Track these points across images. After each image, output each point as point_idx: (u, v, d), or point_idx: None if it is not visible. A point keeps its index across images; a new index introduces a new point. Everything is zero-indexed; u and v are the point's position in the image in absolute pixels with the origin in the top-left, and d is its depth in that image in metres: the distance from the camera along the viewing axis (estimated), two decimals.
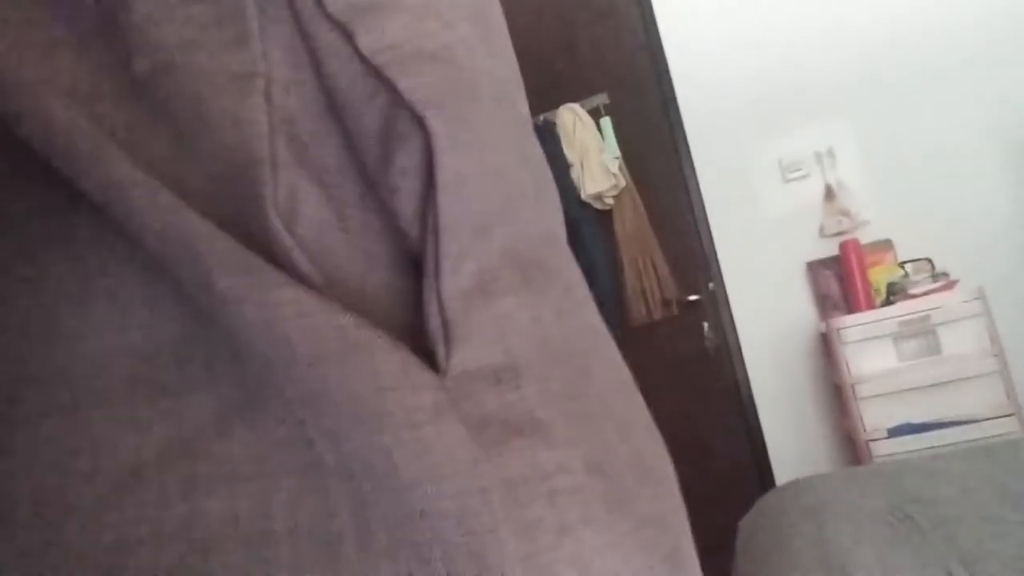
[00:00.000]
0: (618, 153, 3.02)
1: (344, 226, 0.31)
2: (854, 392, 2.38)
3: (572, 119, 3.03)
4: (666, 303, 2.95)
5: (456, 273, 0.30)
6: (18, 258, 0.31)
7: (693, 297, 2.98)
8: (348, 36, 0.30)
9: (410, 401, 0.27)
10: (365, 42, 0.30)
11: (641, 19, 3.10)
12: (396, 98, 0.30)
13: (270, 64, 0.30)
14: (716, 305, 2.96)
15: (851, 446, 2.61)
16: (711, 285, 2.97)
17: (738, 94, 2.95)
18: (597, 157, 2.97)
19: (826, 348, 2.65)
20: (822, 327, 2.66)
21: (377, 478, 0.27)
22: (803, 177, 2.87)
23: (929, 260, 2.64)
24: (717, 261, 2.96)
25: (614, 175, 2.96)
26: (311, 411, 0.28)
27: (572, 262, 0.39)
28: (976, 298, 2.34)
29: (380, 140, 0.30)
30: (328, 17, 0.30)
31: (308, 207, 0.30)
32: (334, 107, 0.31)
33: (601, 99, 3.10)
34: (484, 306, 0.31)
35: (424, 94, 0.30)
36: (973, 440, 2.21)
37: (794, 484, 1.75)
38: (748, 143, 2.94)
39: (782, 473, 2.82)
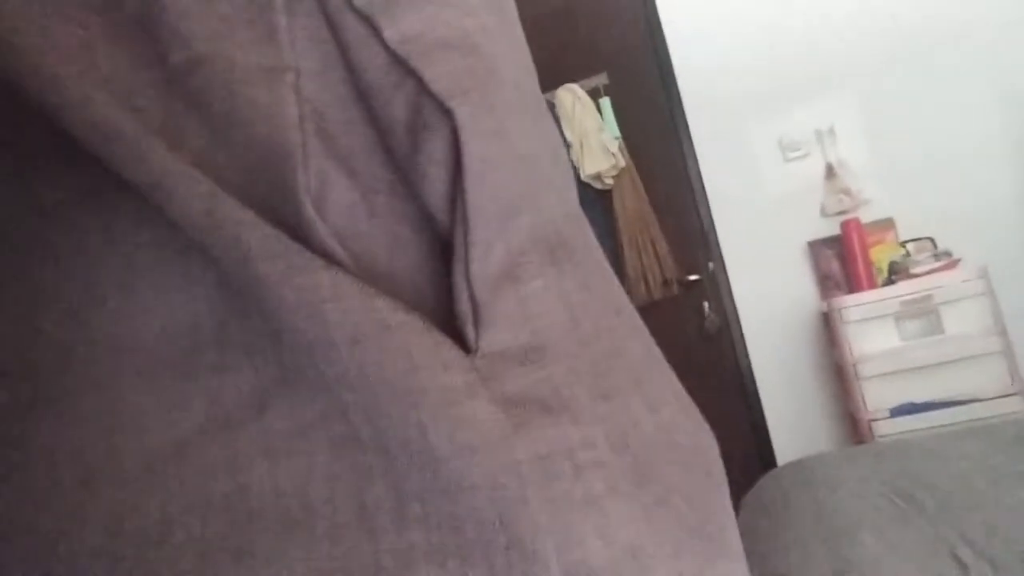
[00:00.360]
0: (618, 133, 3.00)
1: (372, 211, 0.32)
2: (856, 372, 2.37)
3: (571, 99, 3.01)
4: (666, 283, 2.93)
5: (485, 258, 0.31)
6: (61, 243, 0.32)
7: (693, 277, 2.97)
8: (374, 28, 0.31)
9: (443, 380, 0.28)
10: (390, 34, 0.31)
11: None
12: (422, 88, 0.31)
13: (298, 57, 0.31)
14: (716, 285, 2.95)
15: (853, 426, 2.60)
16: (711, 265, 2.96)
17: (737, 72, 2.92)
18: (596, 137, 2.95)
19: (827, 328, 2.64)
20: (823, 307, 2.65)
21: (411, 453, 0.28)
22: (803, 156, 2.84)
23: (931, 239, 2.63)
24: (717, 241, 2.95)
25: (613, 155, 2.94)
26: (348, 389, 0.29)
27: (593, 238, 0.40)
28: (979, 277, 2.33)
29: (408, 129, 0.31)
30: (354, 10, 0.31)
31: (337, 194, 0.31)
32: (362, 96, 0.32)
33: (600, 79, 3.07)
34: (512, 289, 0.32)
35: (448, 83, 0.31)
36: (976, 419, 2.19)
37: (796, 463, 1.74)
38: (748, 122, 2.92)
39: (783, 453, 2.82)
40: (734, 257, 2.93)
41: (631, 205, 2.97)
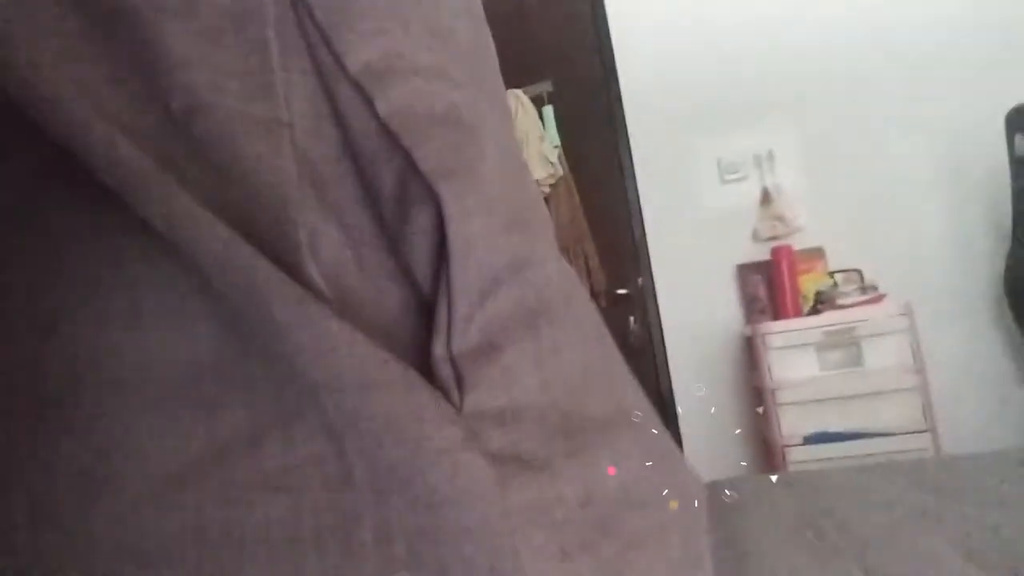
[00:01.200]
0: (558, 142, 2.96)
1: (360, 264, 0.33)
2: (774, 397, 2.35)
3: (515, 105, 2.95)
4: (594, 295, 2.89)
5: (466, 332, 0.33)
6: (71, 272, 0.33)
7: (622, 291, 2.94)
8: (366, 98, 0.32)
9: (443, 430, 0.30)
10: (381, 105, 0.32)
11: (591, 9, 3.05)
12: (410, 164, 0.32)
13: (292, 113, 0.32)
14: (644, 300, 2.92)
15: (766, 450, 2.59)
16: (640, 280, 2.93)
17: (682, 90, 2.91)
18: (537, 145, 2.91)
19: (750, 351, 2.63)
20: (747, 331, 2.64)
21: (407, 495, 0.30)
22: (741, 179, 2.84)
23: (859, 272, 2.64)
24: (648, 256, 2.92)
25: (552, 164, 2.90)
26: (352, 430, 0.30)
27: (577, 286, 0.42)
28: (902, 314, 2.34)
29: (397, 199, 0.33)
30: (348, 77, 0.32)
31: (328, 247, 0.32)
32: (352, 154, 0.33)
33: (545, 87, 3.04)
34: (491, 359, 0.33)
35: (436, 163, 0.32)
36: (886, 452, 2.20)
37: (710, 485, 1.70)
38: (689, 140, 2.90)
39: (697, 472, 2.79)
40: (664, 274, 2.91)
41: (566, 214, 2.93)
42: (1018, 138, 2.30)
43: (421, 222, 0.32)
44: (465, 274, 0.32)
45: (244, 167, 0.31)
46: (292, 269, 0.31)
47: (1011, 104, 2.34)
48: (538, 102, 3.00)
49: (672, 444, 0.40)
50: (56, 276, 0.33)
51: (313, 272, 0.31)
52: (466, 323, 0.33)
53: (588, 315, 0.42)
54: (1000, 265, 2.51)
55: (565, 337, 0.37)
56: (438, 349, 0.32)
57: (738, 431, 2.78)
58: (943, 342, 2.59)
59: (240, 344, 0.32)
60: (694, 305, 2.85)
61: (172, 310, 0.32)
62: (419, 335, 0.33)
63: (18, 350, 0.32)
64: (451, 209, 0.32)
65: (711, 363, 2.84)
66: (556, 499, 0.32)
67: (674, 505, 0.39)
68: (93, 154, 0.29)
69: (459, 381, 0.32)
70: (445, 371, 0.32)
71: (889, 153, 2.74)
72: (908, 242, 2.70)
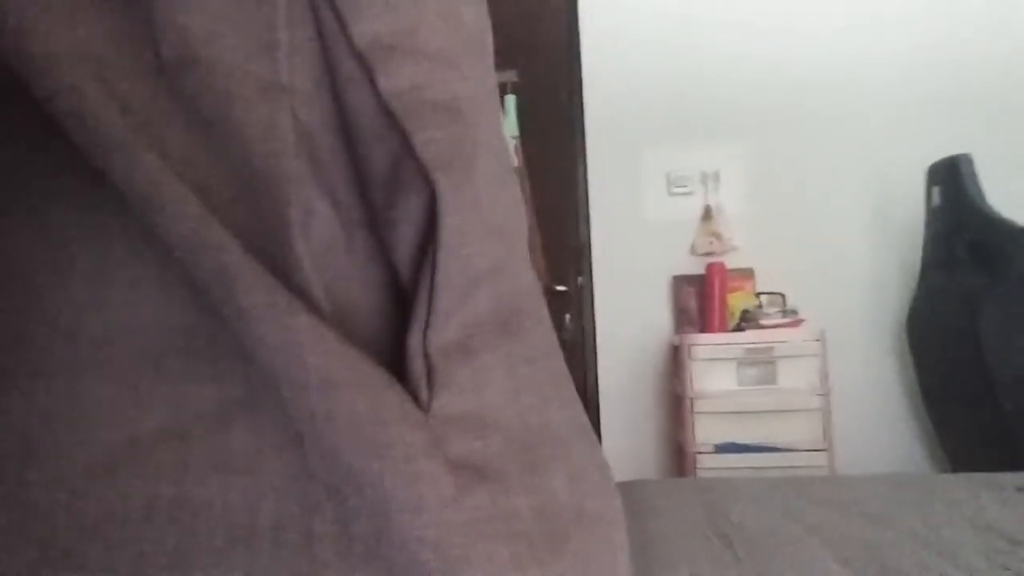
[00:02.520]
0: (516, 132, 3.00)
1: (351, 246, 0.32)
2: (692, 406, 2.48)
3: None
4: None
5: (444, 327, 0.32)
6: (21, 218, 0.31)
7: (561, 288, 3.01)
8: (369, 72, 0.30)
9: (407, 435, 0.29)
10: (384, 83, 0.30)
11: (565, 6, 3.08)
12: (407, 148, 0.31)
13: (293, 77, 0.30)
14: (580, 300, 3.01)
15: (679, 455, 2.73)
16: (580, 279, 3.01)
17: (644, 100, 3.00)
18: None
19: (675, 360, 2.75)
20: (675, 340, 2.75)
21: (364, 498, 0.29)
22: (687, 193, 2.95)
23: (782, 295, 2.79)
24: (590, 257, 3.01)
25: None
26: (311, 430, 0.29)
27: (544, 306, 0.42)
28: (816, 339, 2.49)
29: (385, 180, 0.32)
30: (352, 48, 0.30)
31: (320, 225, 0.31)
32: (346, 128, 0.32)
33: (510, 76, 3.06)
34: (464, 360, 0.33)
35: (435, 152, 0.31)
36: (787, 467, 2.36)
37: (625, 484, 1.81)
38: (643, 150, 3.00)
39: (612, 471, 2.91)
40: (603, 275, 3.00)
41: None
42: (935, 191, 2.48)
43: (409, 209, 0.32)
44: (451, 268, 0.31)
45: (236, 132, 0.29)
46: (280, 249, 0.29)
47: (934, 159, 2.52)
48: (501, 90, 3.03)
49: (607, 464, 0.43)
50: (12, 221, 0.32)
51: (302, 252, 0.30)
52: (445, 318, 0.32)
53: (551, 329, 0.41)
54: (908, 305, 2.71)
55: (536, 348, 0.37)
56: (413, 342, 0.31)
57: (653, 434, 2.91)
58: (847, 369, 2.79)
59: (211, 319, 0.31)
60: (628, 309, 2.96)
61: (144, 271, 0.31)
62: (394, 325, 0.33)
63: None
64: (446, 200, 0.31)
65: (637, 366, 2.96)
66: (512, 512, 0.32)
67: (621, 523, 0.39)
68: (58, 104, 0.28)
69: (430, 379, 0.31)
70: (417, 366, 0.31)
71: (823, 190, 2.90)
72: (829, 274, 2.88)
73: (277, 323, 0.28)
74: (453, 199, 0.31)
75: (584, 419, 0.43)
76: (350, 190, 0.32)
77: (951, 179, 2.41)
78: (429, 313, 0.31)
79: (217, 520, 0.29)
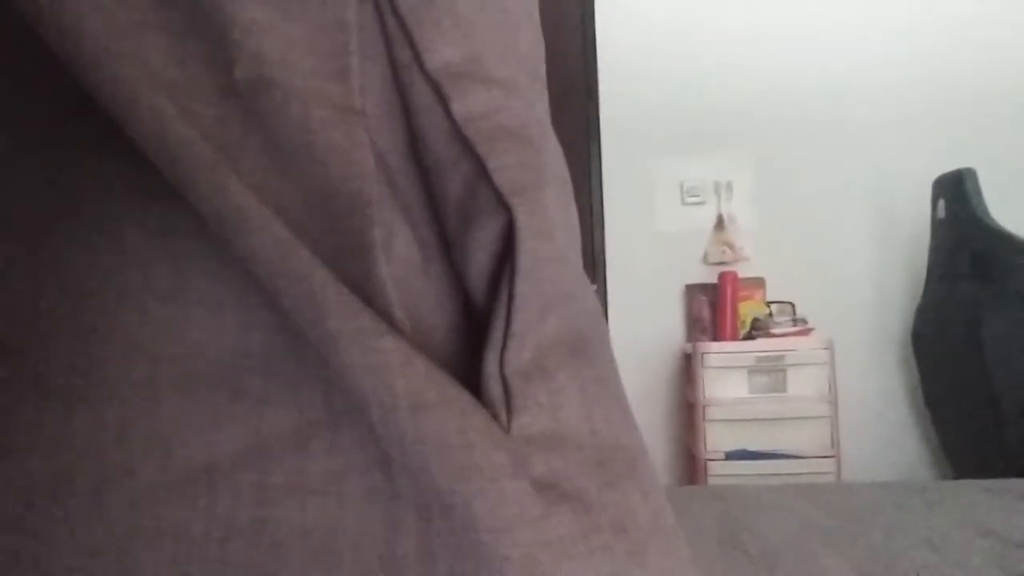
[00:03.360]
0: None
1: (426, 268, 0.32)
2: (704, 413, 2.54)
3: None
4: None
5: (520, 349, 0.32)
6: (96, 237, 0.31)
7: None
8: (442, 98, 0.31)
9: (493, 457, 0.29)
10: (458, 108, 0.31)
11: (580, 12, 3.11)
12: (482, 174, 0.31)
13: (365, 101, 0.30)
14: None
15: (690, 462, 2.77)
16: (594, 287, 3.04)
17: (658, 112, 3.04)
18: None
19: (687, 368, 2.79)
20: (688, 348, 2.79)
21: (452, 519, 0.29)
22: (700, 203, 3.00)
23: (792, 304, 2.84)
24: (604, 265, 3.04)
25: None
26: (401, 451, 0.29)
27: (606, 331, 0.42)
28: (825, 348, 2.55)
29: (459, 206, 0.32)
30: (424, 73, 0.30)
31: (400, 247, 0.31)
32: (418, 155, 0.32)
33: None
34: (541, 381, 0.32)
35: (510, 178, 0.31)
36: (795, 473, 2.41)
37: None
38: (657, 160, 3.03)
39: None
40: (616, 284, 3.04)
41: None
42: (940, 203, 2.53)
43: (484, 233, 0.31)
44: (527, 293, 0.31)
45: (314, 154, 0.29)
46: (364, 272, 0.29)
47: (940, 171, 2.57)
48: None
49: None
50: (78, 238, 0.32)
51: (385, 275, 0.29)
52: (521, 341, 0.31)
53: (612, 352, 0.41)
54: (913, 315, 2.76)
55: (603, 370, 0.37)
56: (490, 366, 0.31)
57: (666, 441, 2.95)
58: (854, 377, 2.83)
59: (292, 340, 0.30)
60: (641, 317, 3.00)
61: (223, 290, 0.31)
62: (469, 350, 0.33)
63: (27, 309, 0.31)
64: (523, 225, 0.31)
65: (649, 373, 3.00)
66: (593, 527, 0.31)
67: (684, 537, 0.39)
68: (139, 128, 0.27)
69: (508, 401, 0.31)
70: (495, 390, 0.31)
71: (832, 201, 2.95)
72: (838, 283, 2.93)
73: (365, 346, 0.28)
74: (528, 224, 0.31)
75: (643, 439, 0.42)
76: (423, 215, 0.32)
77: (955, 192, 2.45)
78: (506, 336, 0.31)
79: (299, 543, 0.29)
